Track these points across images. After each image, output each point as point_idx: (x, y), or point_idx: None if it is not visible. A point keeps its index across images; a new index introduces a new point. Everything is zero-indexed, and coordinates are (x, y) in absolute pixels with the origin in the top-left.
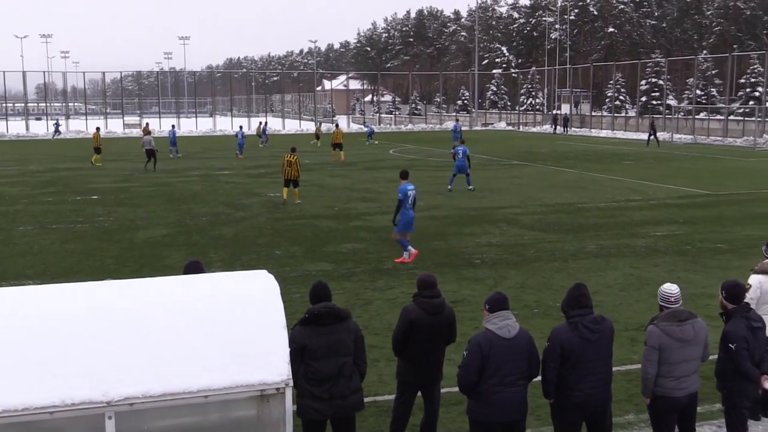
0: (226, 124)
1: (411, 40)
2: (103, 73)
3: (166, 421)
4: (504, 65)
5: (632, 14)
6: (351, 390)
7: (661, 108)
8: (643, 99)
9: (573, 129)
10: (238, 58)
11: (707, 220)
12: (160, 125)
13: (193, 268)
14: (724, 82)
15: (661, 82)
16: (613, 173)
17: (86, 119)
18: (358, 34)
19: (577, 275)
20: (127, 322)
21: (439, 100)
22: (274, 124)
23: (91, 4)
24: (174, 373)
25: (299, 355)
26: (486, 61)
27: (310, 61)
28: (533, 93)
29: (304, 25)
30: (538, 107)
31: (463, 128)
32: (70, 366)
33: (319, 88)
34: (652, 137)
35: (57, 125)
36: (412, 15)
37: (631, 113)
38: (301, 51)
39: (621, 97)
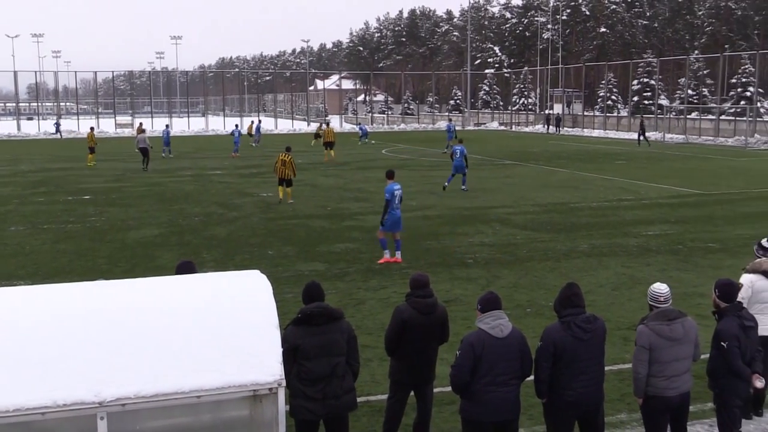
0: (218, 124)
1: (403, 39)
2: (95, 72)
3: (158, 422)
4: (496, 65)
5: (624, 14)
6: (344, 390)
7: (652, 108)
8: (635, 99)
9: (565, 129)
10: (231, 57)
11: (699, 220)
12: (152, 125)
13: (186, 268)
14: (715, 82)
15: (652, 82)
16: (605, 173)
17: (78, 119)
18: (351, 33)
19: (569, 275)
20: (119, 323)
21: (431, 99)
22: (266, 124)
23: (82, 3)
24: (166, 373)
25: (292, 355)
26: (478, 61)
27: (302, 61)
28: (525, 93)
29: (296, 25)
30: (530, 107)
31: (456, 128)
32: (62, 366)
33: (311, 87)
34: (641, 137)
35: (58, 125)
36: (405, 15)
37: (623, 113)
38: (294, 51)
39: (613, 97)
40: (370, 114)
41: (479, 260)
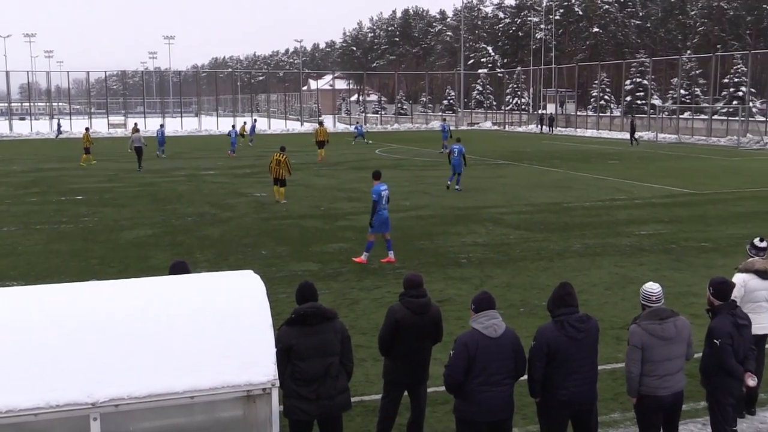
0: (211, 124)
1: (397, 39)
2: (88, 72)
3: (151, 422)
4: (490, 65)
5: (617, 14)
6: (338, 390)
7: (645, 107)
8: (628, 99)
9: (558, 128)
10: (224, 57)
11: (692, 219)
12: (146, 125)
13: (179, 268)
14: (708, 82)
15: (645, 81)
16: (598, 172)
17: (71, 119)
18: (344, 33)
19: (562, 274)
20: (112, 323)
21: (425, 99)
22: (260, 124)
23: (75, 3)
24: (160, 373)
25: (286, 355)
26: (472, 61)
27: (295, 61)
28: (519, 93)
29: (289, 25)
30: (523, 107)
31: (450, 128)
32: (55, 367)
33: (305, 87)
34: (632, 137)
35: (59, 126)
36: (398, 15)
37: (616, 113)
38: (287, 51)
39: (606, 97)
40: (364, 114)
41: (473, 260)
